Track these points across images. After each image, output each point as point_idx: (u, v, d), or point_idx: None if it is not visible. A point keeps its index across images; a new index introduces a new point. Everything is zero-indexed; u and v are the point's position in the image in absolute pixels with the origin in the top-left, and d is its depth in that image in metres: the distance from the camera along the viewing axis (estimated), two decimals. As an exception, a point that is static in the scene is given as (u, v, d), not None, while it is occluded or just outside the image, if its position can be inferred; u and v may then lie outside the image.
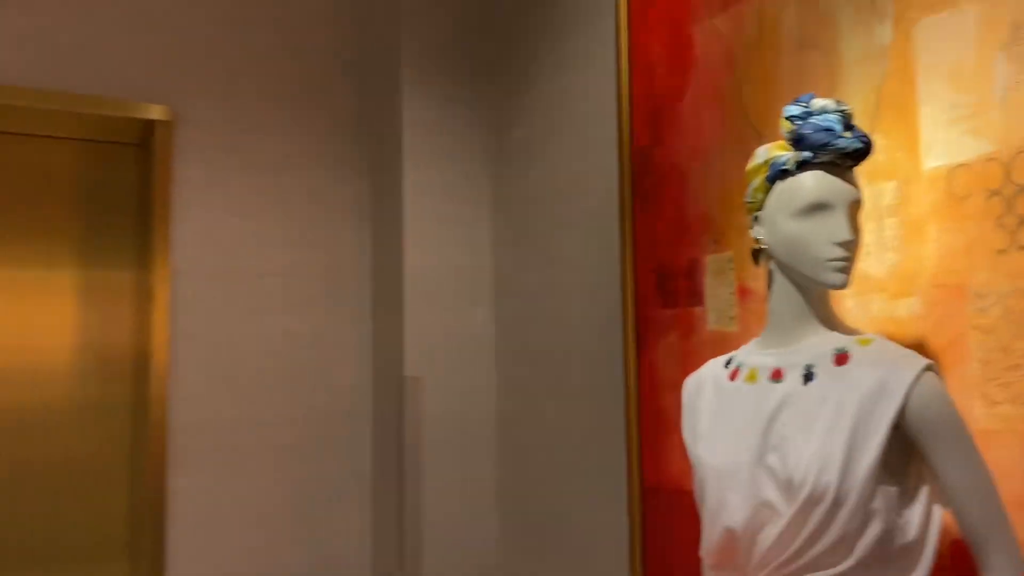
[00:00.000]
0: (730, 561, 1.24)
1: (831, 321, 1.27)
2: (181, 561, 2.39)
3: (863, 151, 1.22)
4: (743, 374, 1.31)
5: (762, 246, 1.29)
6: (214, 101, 2.54)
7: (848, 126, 1.23)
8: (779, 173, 1.25)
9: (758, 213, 1.29)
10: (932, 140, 1.41)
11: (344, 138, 2.73)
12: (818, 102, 1.25)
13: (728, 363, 1.37)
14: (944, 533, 1.25)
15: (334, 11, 2.75)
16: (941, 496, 1.15)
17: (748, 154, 1.58)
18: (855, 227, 1.22)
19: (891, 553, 1.12)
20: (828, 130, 1.21)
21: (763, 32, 1.75)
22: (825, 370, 1.21)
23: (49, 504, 2.45)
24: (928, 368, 1.15)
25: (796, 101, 1.27)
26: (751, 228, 1.31)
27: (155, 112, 2.44)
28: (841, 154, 1.21)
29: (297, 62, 2.68)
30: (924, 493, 1.15)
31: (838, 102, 1.25)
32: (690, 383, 1.43)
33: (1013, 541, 1.12)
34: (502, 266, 2.60)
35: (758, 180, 1.29)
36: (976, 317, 1.33)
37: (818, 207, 1.21)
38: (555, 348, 2.34)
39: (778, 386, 1.24)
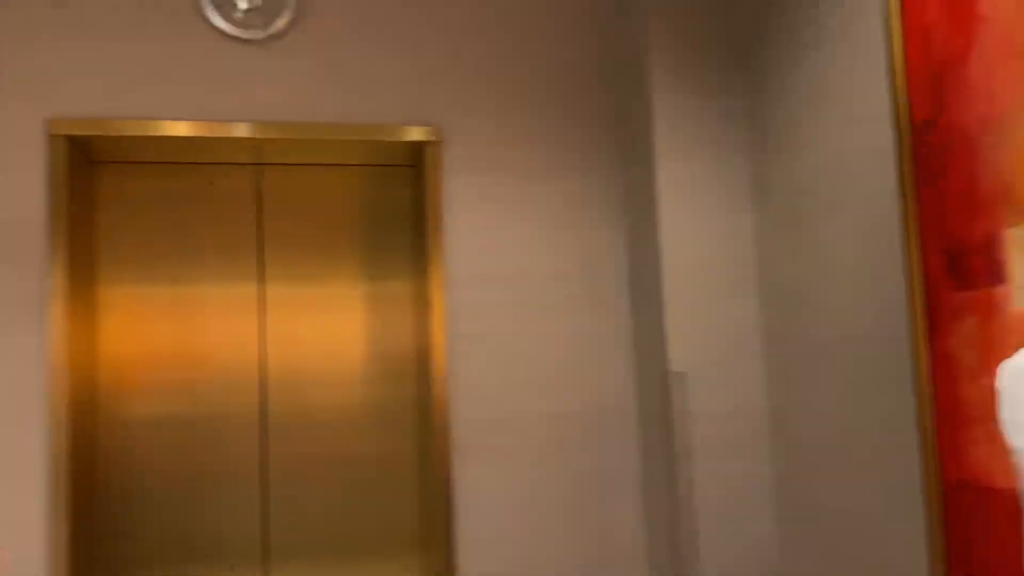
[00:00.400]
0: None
1: None
2: (470, 551, 2.56)
3: None
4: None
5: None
6: (476, 118, 2.70)
7: None
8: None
9: None
10: None
11: (599, 139, 2.79)
12: None
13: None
14: None
15: (583, 15, 2.81)
16: None
17: (1060, 112, 1.41)
18: None
19: None
20: None
21: (1068, -26, 1.55)
22: None
23: (347, 498, 2.72)
24: None
25: None
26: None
27: (423, 133, 2.64)
28: None
29: (550, 70, 2.77)
30: None
31: None
32: (1008, 369, 1.30)
33: None
34: (766, 255, 2.52)
35: None
36: None
37: None
38: (828, 339, 2.23)
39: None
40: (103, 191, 2.65)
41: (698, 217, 2.54)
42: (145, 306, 2.65)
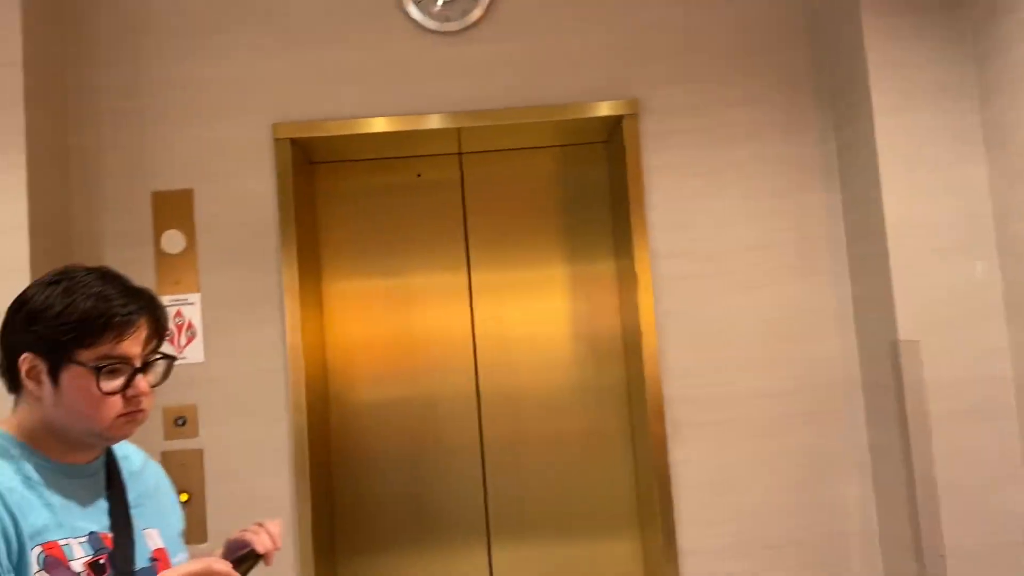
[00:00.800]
0: None
1: None
2: (689, 529, 2.52)
3: None
4: None
5: None
6: (672, 87, 2.63)
7: None
8: None
9: None
10: None
11: (803, 100, 2.64)
12: None
13: None
14: None
15: (776, -29, 2.67)
16: None
17: None
18: None
19: None
20: None
21: None
22: None
23: (562, 476, 2.76)
24: None
25: None
26: None
27: (619, 107, 2.60)
28: None
29: (747, 32, 2.65)
30: None
31: None
32: None
33: None
34: (1004, 210, 2.30)
35: None
36: None
37: None
38: (1092, 296, 2.00)
39: None
40: (321, 190, 2.82)
41: (923, 171, 2.35)
42: (365, 297, 2.80)
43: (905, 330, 2.32)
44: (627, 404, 2.78)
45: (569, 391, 2.78)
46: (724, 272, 2.60)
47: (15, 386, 1.23)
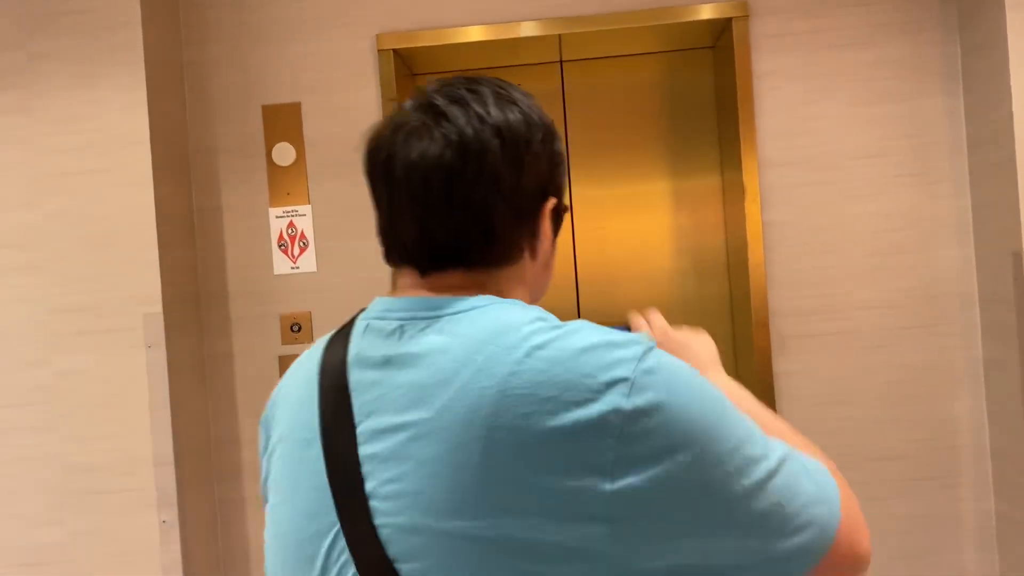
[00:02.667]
0: None
1: None
2: (792, 437, 2.52)
3: None
4: None
5: None
6: (786, -14, 2.52)
7: None
8: None
9: None
10: None
11: (926, -4, 2.50)
12: None
13: None
14: None
15: None
16: None
17: None
18: None
19: None
20: None
21: None
22: None
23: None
24: None
25: None
26: None
27: (728, 10, 2.51)
28: None
29: (866, -76, 2.50)
30: None
31: None
32: None
33: None
34: None
35: None
36: None
37: None
38: None
39: None
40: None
41: (1059, 72, 2.21)
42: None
43: (1031, 240, 2.22)
44: (730, 319, 2.76)
45: (670, 306, 2.77)
46: (836, 181, 2.52)
47: (509, 249, 0.85)
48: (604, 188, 2.81)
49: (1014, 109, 2.21)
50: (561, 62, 2.81)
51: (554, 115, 2.75)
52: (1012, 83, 2.21)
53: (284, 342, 2.59)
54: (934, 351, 2.50)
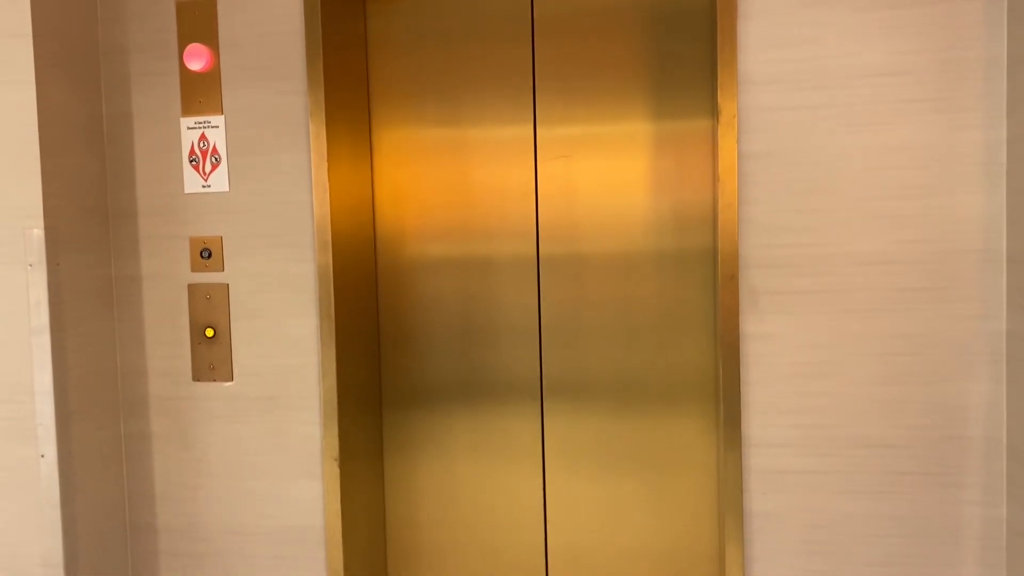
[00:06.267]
0: None
1: None
2: (759, 415, 2.12)
3: None
4: None
5: None
6: None
7: None
8: None
9: None
10: None
11: None
12: None
13: None
14: None
15: None
16: None
17: None
18: None
19: None
20: None
21: None
22: None
23: (622, 345, 2.40)
24: None
25: None
26: None
27: None
28: None
29: None
30: None
31: None
32: None
33: None
34: None
35: None
36: None
37: None
38: None
39: None
40: (373, 29, 2.47)
41: None
42: (417, 148, 2.48)
43: (1070, 184, 1.72)
44: (703, 267, 2.34)
45: (643, 257, 2.36)
46: (835, 104, 2.04)
47: None
48: (573, 124, 2.40)
49: (1062, 11, 1.69)
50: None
51: (521, 38, 2.37)
52: (1063, -23, 1.69)
53: (194, 269, 2.34)
54: (944, 320, 2.03)
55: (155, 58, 2.32)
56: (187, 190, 2.32)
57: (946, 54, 1.99)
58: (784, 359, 2.10)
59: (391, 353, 2.54)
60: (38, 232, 2.11)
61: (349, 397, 2.36)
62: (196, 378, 2.36)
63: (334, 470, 2.30)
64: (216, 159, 2.31)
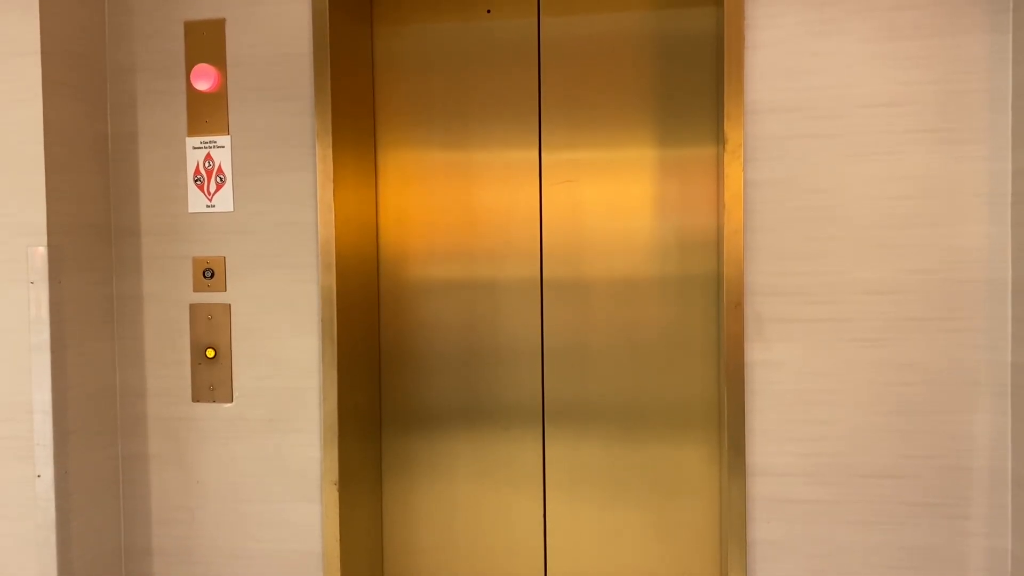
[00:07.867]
0: None
1: None
2: (764, 443, 2.11)
3: None
4: None
5: None
6: None
7: None
8: None
9: None
10: None
11: (972, -97, 1.98)
12: None
13: None
14: None
15: None
16: None
17: None
18: None
19: None
20: None
21: None
22: None
23: (626, 371, 2.39)
24: None
25: None
26: None
27: (723, -80, 2.06)
28: None
29: None
30: None
31: None
32: None
33: None
34: None
35: None
36: None
37: None
38: None
39: None
40: (380, 48, 2.48)
41: None
42: (423, 169, 2.48)
43: (1076, 216, 1.72)
44: (708, 294, 2.33)
45: (647, 282, 2.36)
46: (841, 133, 2.05)
47: None
48: (579, 149, 2.41)
49: (1068, 46, 1.71)
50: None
51: (527, 63, 2.38)
52: (1069, 12, 1.71)
53: (196, 289, 2.32)
54: (950, 350, 2.03)
55: (162, 77, 2.32)
56: (191, 209, 2.32)
57: (952, 86, 2.01)
58: (789, 387, 2.09)
59: (392, 376, 2.53)
60: (41, 250, 2.09)
61: (350, 420, 2.34)
62: (196, 399, 2.34)
63: (333, 494, 2.27)
64: (221, 179, 2.30)
